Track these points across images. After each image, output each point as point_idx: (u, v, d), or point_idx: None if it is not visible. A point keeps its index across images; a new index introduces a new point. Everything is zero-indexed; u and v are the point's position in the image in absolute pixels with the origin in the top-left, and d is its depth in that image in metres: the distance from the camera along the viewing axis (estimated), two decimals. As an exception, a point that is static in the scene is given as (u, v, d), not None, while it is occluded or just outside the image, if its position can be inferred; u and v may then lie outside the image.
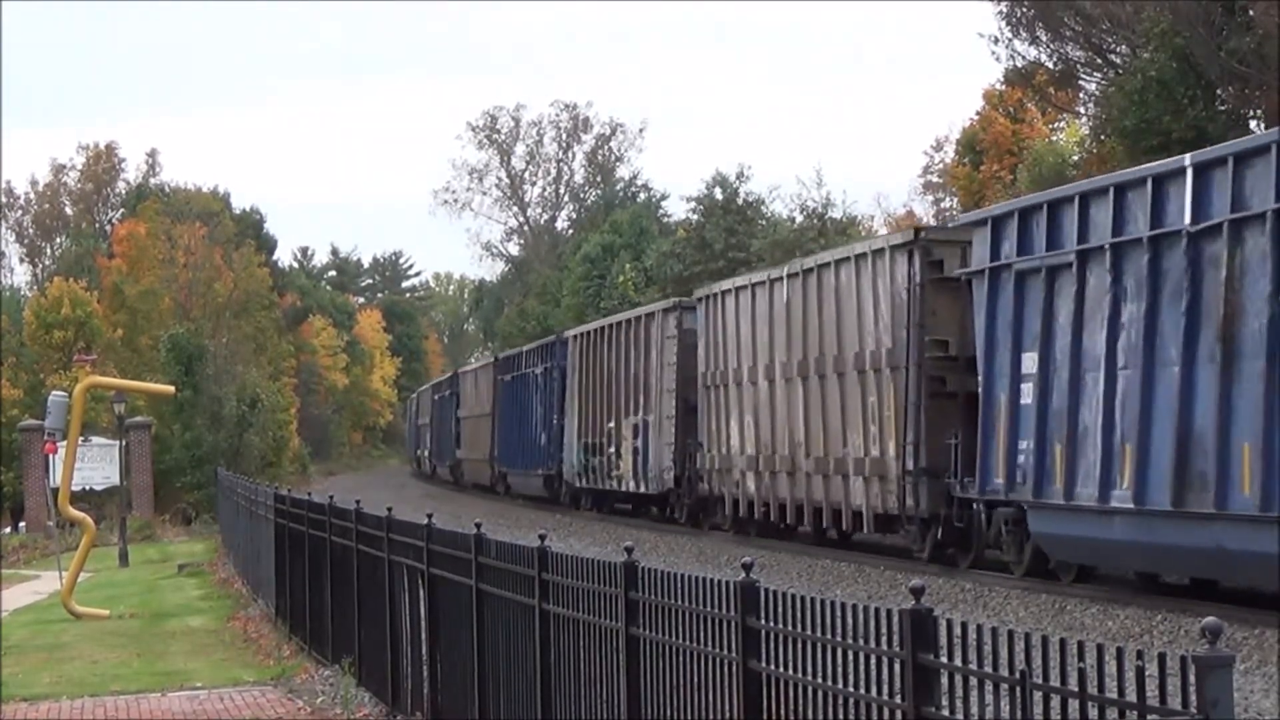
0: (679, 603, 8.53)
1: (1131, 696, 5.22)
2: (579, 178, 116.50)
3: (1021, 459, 22.77)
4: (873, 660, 6.64)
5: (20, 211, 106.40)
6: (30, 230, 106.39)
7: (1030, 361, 22.63)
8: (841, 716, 6.92)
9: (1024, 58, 48.01)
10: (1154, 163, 22.29)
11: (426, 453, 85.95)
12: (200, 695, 17.94)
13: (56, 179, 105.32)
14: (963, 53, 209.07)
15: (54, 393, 32.76)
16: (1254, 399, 18.29)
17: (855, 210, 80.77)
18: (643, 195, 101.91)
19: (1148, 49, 39.88)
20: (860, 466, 28.35)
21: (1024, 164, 50.67)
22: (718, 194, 73.12)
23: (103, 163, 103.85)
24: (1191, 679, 4.97)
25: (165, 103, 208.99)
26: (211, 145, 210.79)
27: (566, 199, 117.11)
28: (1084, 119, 51.10)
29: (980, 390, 23.92)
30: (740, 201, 72.59)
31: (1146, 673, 5.21)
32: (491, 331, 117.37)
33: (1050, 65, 47.66)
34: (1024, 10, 46.86)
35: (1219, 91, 39.60)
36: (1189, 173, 19.48)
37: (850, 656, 6.82)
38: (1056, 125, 56.48)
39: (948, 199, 70.49)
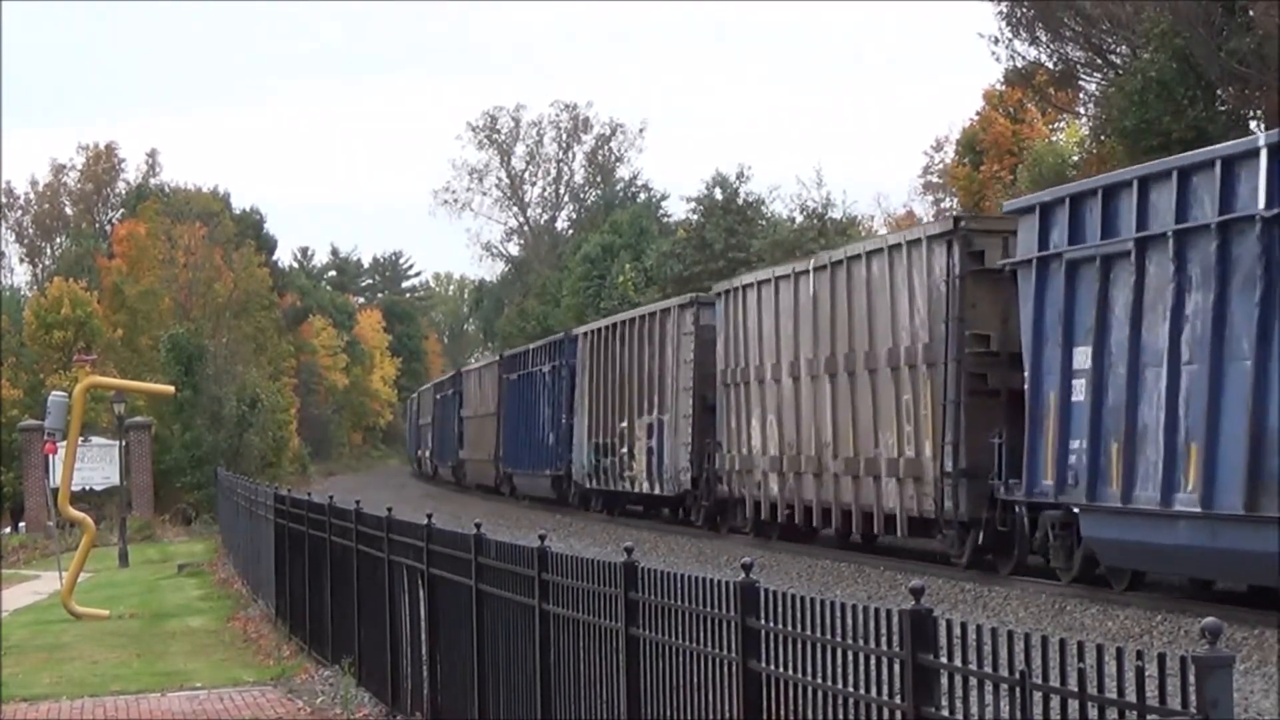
0: (679, 603, 8.53)
1: (1131, 697, 5.22)
2: (579, 178, 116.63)
3: (1073, 459, 21.58)
4: (873, 660, 6.64)
5: (20, 211, 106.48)
6: (30, 230, 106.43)
7: (1083, 356, 21.46)
8: (841, 717, 6.92)
9: (1024, 58, 48.01)
10: (1222, 144, 20.86)
11: (428, 453, 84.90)
12: (200, 695, 17.94)
13: (56, 179, 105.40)
14: (963, 53, 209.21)
15: (54, 393, 32.76)
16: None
17: (855, 210, 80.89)
18: (643, 195, 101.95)
19: (1148, 49, 39.88)
20: (894, 467, 27.16)
21: (1024, 164, 50.67)
22: (718, 194, 73.13)
23: (103, 163, 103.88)
24: (1191, 679, 4.97)
25: (165, 103, 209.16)
26: (211, 145, 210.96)
27: (566, 199, 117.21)
28: (1084, 119, 51.10)
29: (1027, 387, 22.80)
30: (740, 201, 72.61)
31: (1146, 673, 5.21)
32: (491, 332, 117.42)
33: (1050, 65, 47.65)
34: (1024, 10, 46.85)
35: (1219, 92, 39.59)
36: (1263, 154, 18.26)
37: (850, 657, 6.82)
38: (1056, 125, 56.48)
39: (948, 199, 70.51)
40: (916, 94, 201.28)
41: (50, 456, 36.28)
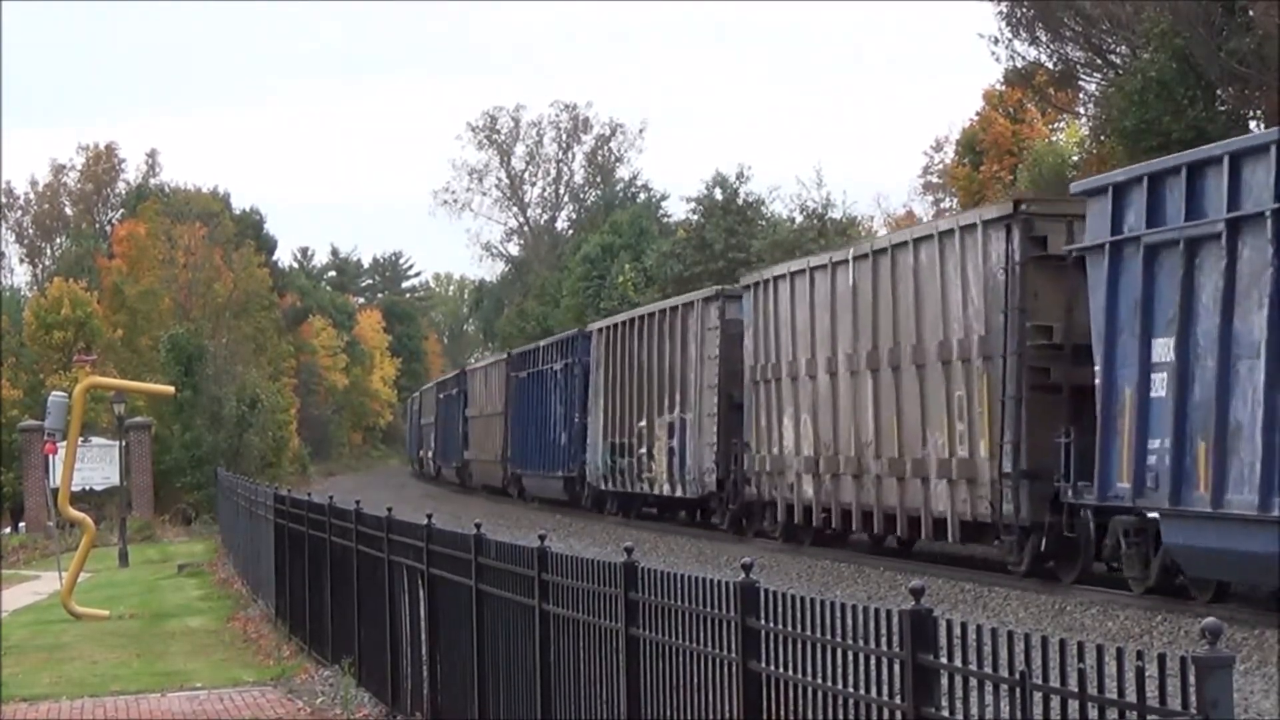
0: (679, 603, 8.53)
1: (1131, 697, 5.22)
2: (579, 178, 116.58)
3: (1153, 460, 19.92)
4: (872, 661, 6.64)
5: (20, 212, 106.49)
6: (30, 230, 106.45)
7: (1164, 348, 19.85)
8: (841, 717, 6.92)
9: (1024, 58, 48.01)
10: None
11: (431, 453, 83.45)
12: (200, 695, 17.94)
13: (56, 179, 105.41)
14: (963, 53, 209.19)
15: (54, 393, 32.76)
16: None
17: (855, 210, 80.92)
18: (642, 196, 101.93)
19: (1148, 49, 39.88)
20: (944, 468, 25.45)
21: (1024, 164, 50.71)
22: (718, 194, 73.14)
23: (102, 163, 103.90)
24: (1191, 679, 4.97)
25: (165, 103, 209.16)
26: (211, 145, 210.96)
27: (566, 199, 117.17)
28: (1084, 119, 51.11)
29: (1098, 382, 21.17)
30: (740, 202, 72.61)
31: (1146, 673, 5.21)
32: (491, 332, 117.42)
33: (1050, 66, 47.66)
34: (1024, 11, 46.85)
35: (1219, 92, 39.59)
36: None
37: (850, 657, 6.82)
38: (1056, 126, 56.51)
39: (948, 199, 70.53)
40: (916, 94, 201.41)
41: (50, 457, 36.27)
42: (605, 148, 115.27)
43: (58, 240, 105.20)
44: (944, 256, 25.64)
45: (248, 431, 62.98)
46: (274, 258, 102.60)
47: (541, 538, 10.77)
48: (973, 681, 6.05)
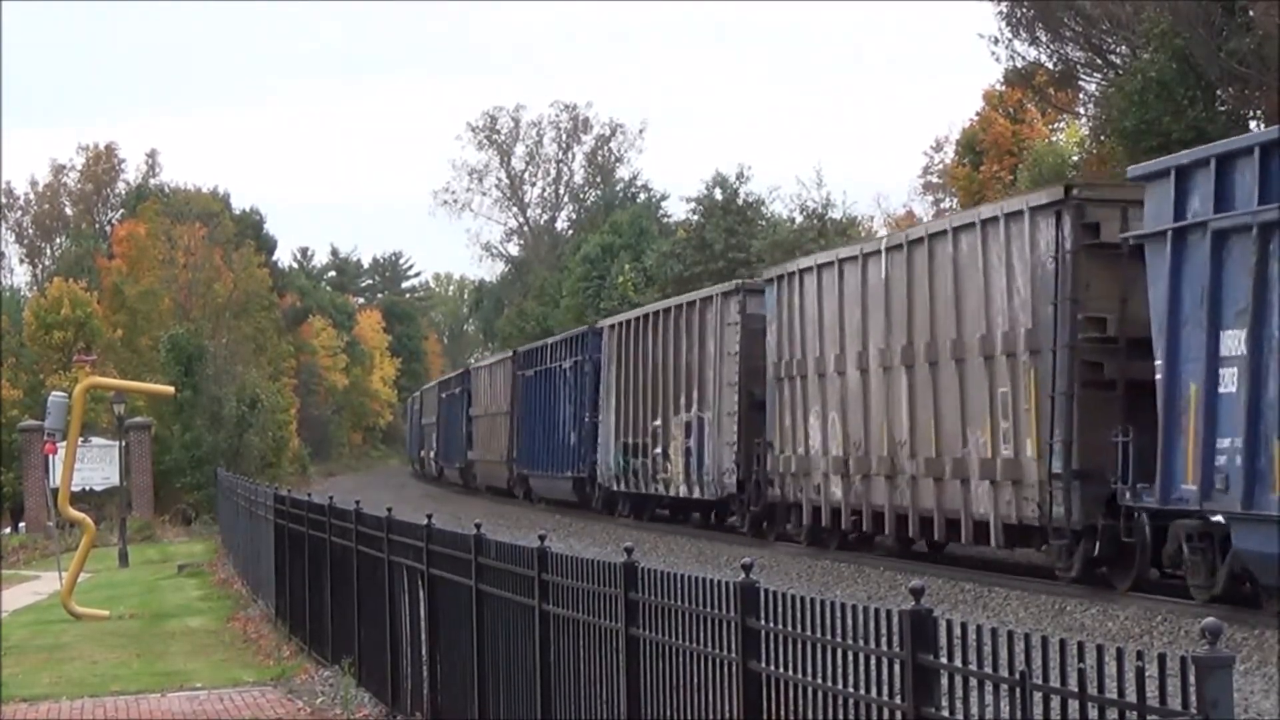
0: (679, 603, 8.53)
1: (1131, 697, 5.23)
2: (579, 178, 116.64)
3: (1222, 461, 18.74)
4: (872, 661, 6.64)
5: (20, 212, 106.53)
6: (30, 231, 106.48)
7: (1234, 341, 18.67)
8: (841, 717, 6.92)
9: (1024, 58, 48.02)
10: None
11: (433, 454, 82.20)
12: (200, 696, 17.94)
13: (56, 179, 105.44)
14: (963, 53, 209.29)
15: (54, 393, 32.75)
16: None
17: (855, 210, 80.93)
18: (642, 196, 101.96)
19: (1148, 49, 39.89)
20: (987, 469, 24.13)
21: (1024, 164, 50.71)
22: (718, 194, 73.17)
23: (102, 163, 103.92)
24: (1191, 680, 4.98)
25: (165, 103, 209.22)
26: (211, 145, 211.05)
27: (566, 199, 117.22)
28: (1084, 119, 51.14)
29: (1160, 377, 19.93)
30: (740, 202, 72.63)
31: (1146, 673, 5.21)
32: (491, 332, 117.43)
33: (1050, 66, 47.68)
34: (1024, 11, 46.86)
35: (1219, 92, 39.60)
36: None
37: (850, 657, 6.82)
38: (1056, 126, 56.53)
39: (947, 199, 70.54)
40: (916, 94, 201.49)
41: (50, 457, 36.27)
42: (605, 148, 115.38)
43: (58, 240, 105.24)
44: (987, 245, 24.32)
45: (248, 432, 62.99)
46: (274, 258, 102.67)
47: (541, 538, 10.77)
48: (973, 681, 6.05)
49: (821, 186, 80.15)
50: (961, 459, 24.94)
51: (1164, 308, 19.98)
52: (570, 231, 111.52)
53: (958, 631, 6.21)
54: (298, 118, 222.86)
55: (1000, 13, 47.10)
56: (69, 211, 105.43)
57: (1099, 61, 46.21)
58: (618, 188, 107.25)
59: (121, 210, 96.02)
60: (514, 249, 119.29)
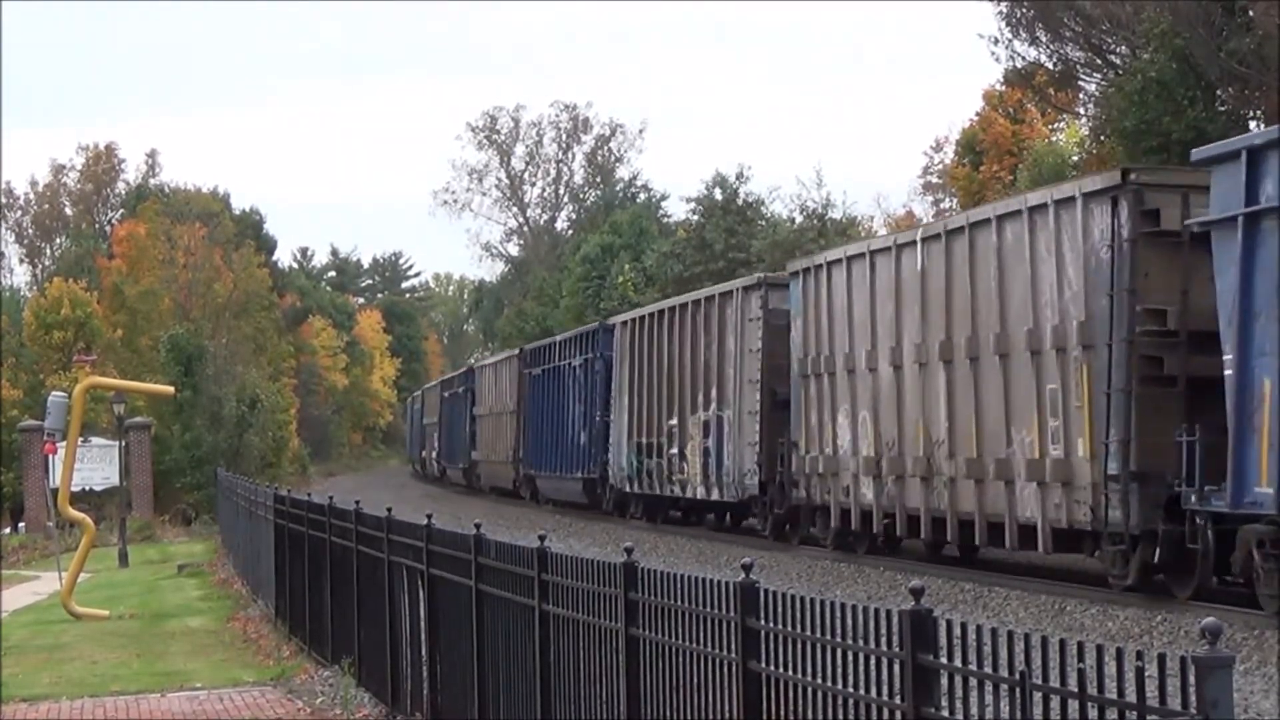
0: (679, 603, 8.53)
1: (1131, 697, 5.23)
2: (579, 178, 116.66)
3: None
4: (872, 661, 6.65)
5: (20, 212, 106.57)
6: (30, 231, 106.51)
7: None
8: (841, 717, 6.92)
9: (1024, 58, 48.04)
10: None
11: (434, 454, 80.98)
12: (200, 696, 17.94)
13: (56, 179, 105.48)
14: (963, 53, 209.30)
15: (54, 393, 32.75)
16: None
17: (855, 211, 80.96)
18: (642, 196, 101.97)
19: (1148, 50, 39.90)
20: (1034, 470, 22.88)
21: (1024, 164, 50.72)
22: (717, 194, 73.17)
23: (102, 163, 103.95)
24: (1191, 680, 4.97)
25: (165, 103, 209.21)
26: (211, 145, 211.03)
27: (566, 199, 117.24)
28: (1084, 120, 51.14)
29: (1229, 373, 18.86)
30: (740, 202, 72.64)
31: (1146, 673, 5.21)
32: (491, 332, 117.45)
33: (1050, 66, 47.69)
34: (1024, 11, 46.87)
35: (1219, 92, 39.61)
36: None
37: (850, 657, 6.82)
38: (1056, 126, 56.55)
39: (947, 199, 70.56)
40: (916, 94, 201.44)
41: (50, 457, 36.29)
42: (605, 148, 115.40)
43: (58, 240, 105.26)
44: (1034, 234, 23.02)
45: (248, 432, 63.00)
46: (274, 258, 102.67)
47: (541, 538, 10.77)
48: (973, 681, 6.05)
49: (821, 186, 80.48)
50: (1005, 459, 23.73)
51: (1234, 299, 18.82)
52: (570, 231, 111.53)
53: (957, 631, 6.21)
54: (298, 118, 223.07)
55: (1000, 13, 47.13)
56: (69, 211, 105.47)
57: (1099, 61, 46.22)
58: (618, 188, 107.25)
59: (121, 210, 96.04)
60: (514, 249, 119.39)
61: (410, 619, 14.58)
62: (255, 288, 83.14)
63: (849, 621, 6.82)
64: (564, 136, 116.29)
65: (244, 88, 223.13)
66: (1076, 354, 21.98)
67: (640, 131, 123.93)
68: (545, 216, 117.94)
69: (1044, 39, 46.89)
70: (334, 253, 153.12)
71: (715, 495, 35.93)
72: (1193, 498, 19.49)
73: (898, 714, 6.47)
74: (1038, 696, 5.66)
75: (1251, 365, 18.58)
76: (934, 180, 77.00)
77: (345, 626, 17.84)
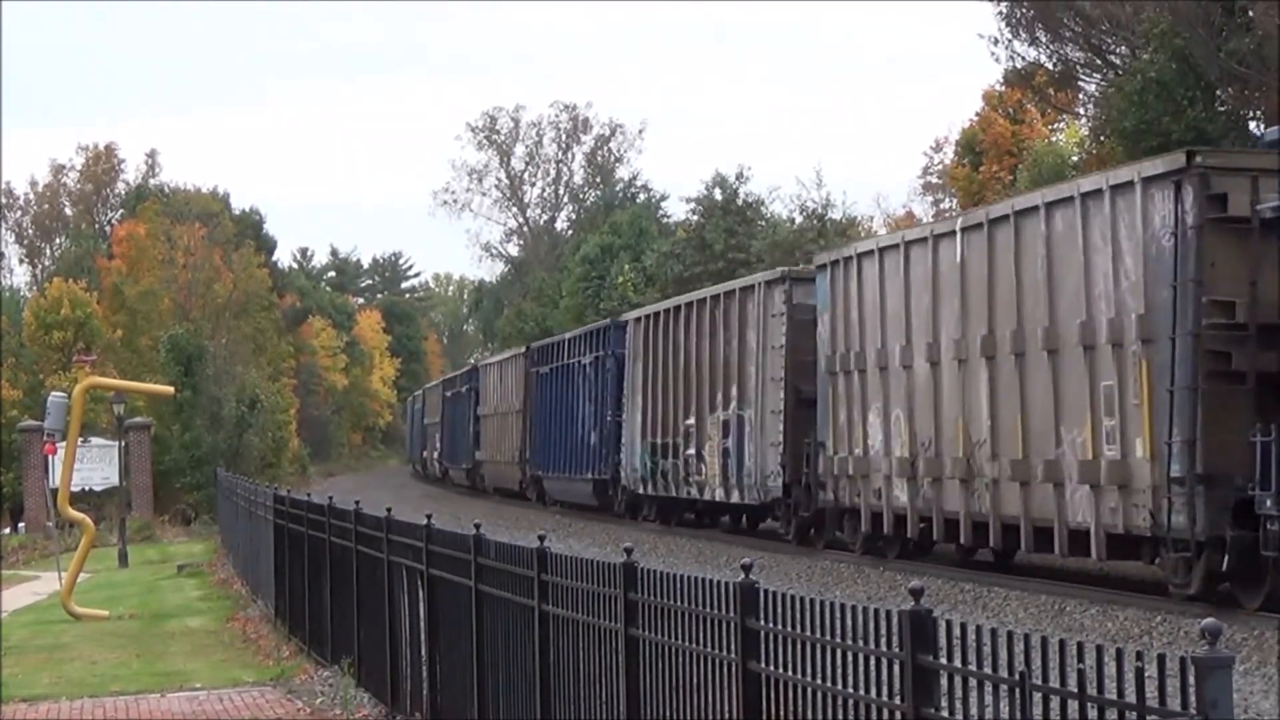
0: (678, 604, 8.53)
1: (1131, 697, 5.22)
2: (578, 178, 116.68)
3: None
4: (872, 661, 6.64)
5: (20, 212, 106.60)
6: (30, 231, 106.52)
7: None
8: (841, 717, 6.92)
9: (1024, 58, 48.07)
10: None
11: (436, 454, 79.87)
12: (200, 696, 17.93)
13: (56, 179, 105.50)
14: (963, 53, 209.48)
15: (53, 393, 32.76)
16: None
17: (855, 211, 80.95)
18: (642, 196, 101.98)
19: (1147, 50, 39.91)
20: (1087, 472, 21.57)
21: (1024, 165, 50.73)
22: (717, 194, 73.18)
23: (102, 163, 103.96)
24: (1191, 680, 4.97)
25: (165, 103, 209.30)
26: (211, 145, 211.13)
27: (566, 200, 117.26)
28: (1083, 120, 51.16)
29: None
30: (740, 202, 72.64)
31: (1146, 674, 5.21)
32: (491, 332, 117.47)
33: (1050, 66, 47.72)
34: (1024, 11, 46.89)
35: (1218, 92, 39.62)
36: None
37: (850, 657, 6.82)
38: (1056, 126, 56.56)
39: (947, 199, 70.56)
40: (916, 94, 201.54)
41: (50, 457, 36.30)
42: (605, 148, 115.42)
43: (57, 240, 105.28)
44: (1087, 222, 21.70)
45: (247, 432, 63.00)
46: (274, 258, 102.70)
47: (541, 538, 10.76)
48: (972, 682, 6.05)
49: (821, 186, 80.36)
50: (1055, 461, 22.44)
51: None
52: (570, 232, 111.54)
53: (957, 632, 6.20)
54: (298, 118, 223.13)
55: (1000, 13, 47.15)
56: (69, 212, 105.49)
57: (1099, 62, 46.23)
58: (617, 188, 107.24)
59: (121, 210, 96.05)
60: (514, 249, 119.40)
61: (410, 619, 14.57)
62: (255, 288, 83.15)
63: (849, 622, 6.81)
64: (564, 137, 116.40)
65: (244, 88, 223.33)
66: (1135, 349, 20.76)
67: (640, 131, 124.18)
68: (545, 217, 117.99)
69: (1044, 39, 46.92)
70: (334, 253, 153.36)
71: (735, 498, 34.77)
72: (1268, 501, 18.22)
73: (897, 714, 6.47)
74: (1038, 697, 5.66)
75: None
76: (934, 180, 77.06)
77: (345, 627, 17.83)
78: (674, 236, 78.97)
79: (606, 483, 44.70)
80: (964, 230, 25.26)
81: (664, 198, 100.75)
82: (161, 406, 59.45)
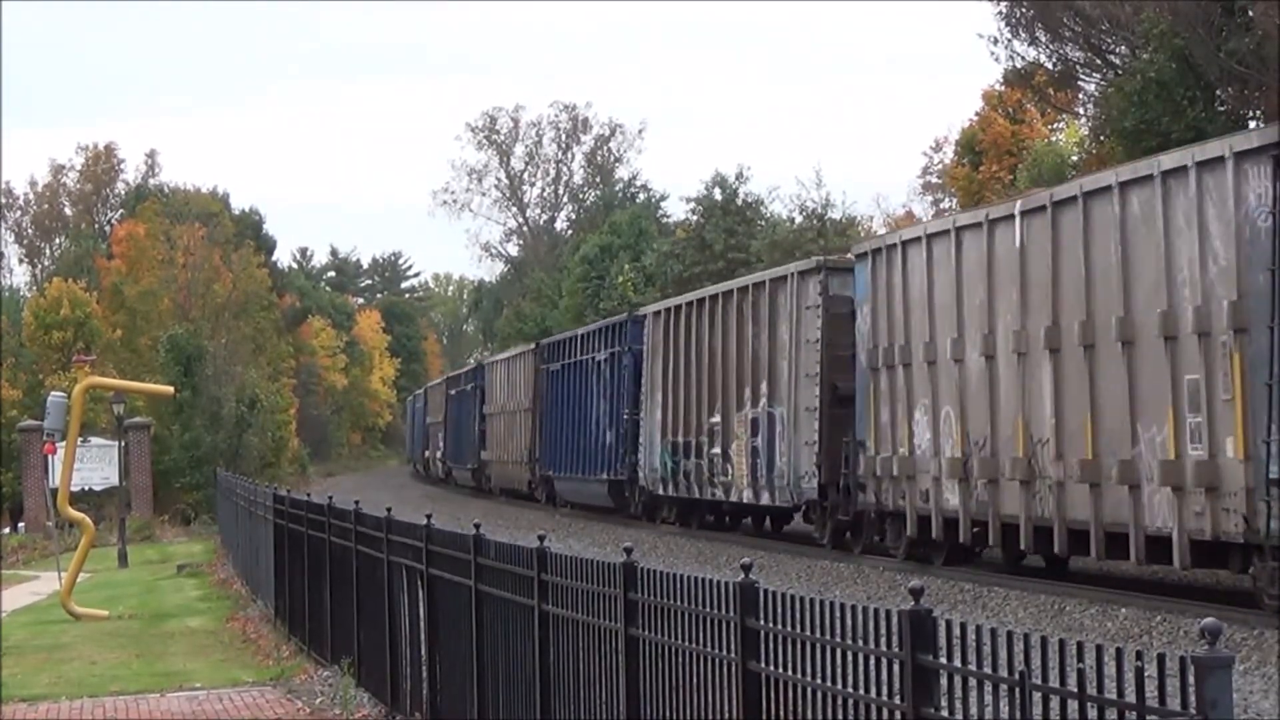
0: (678, 603, 8.53)
1: (1131, 697, 5.22)
2: (578, 178, 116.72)
3: None
4: (872, 661, 6.64)
5: (19, 212, 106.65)
6: (29, 231, 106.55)
7: None
8: (841, 717, 6.92)
9: (1023, 58, 48.01)
10: None
11: (439, 454, 77.78)
12: (199, 696, 17.93)
13: (56, 179, 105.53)
14: (963, 53, 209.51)
15: (53, 393, 32.74)
16: None
17: (855, 211, 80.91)
18: (642, 196, 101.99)
19: (1147, 50, 39.89)
20: (1169, 473, 19.89)
21: (1023, 164, 50.72)
22: (717, 194, 73.20)
23: (102, 163, 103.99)
24: (1191, 680, 4.97)
25: (165, 103, 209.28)
26: (211, 145, 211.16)
27: (565, 200, 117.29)
28: (1083, 120, 51.12)
29: None
30: (740, 202, 72.66)
31: (1146, 673, 5.21)
32: (491, 332, 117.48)
33: (1049, 66, 47.68)
34: (1023, 11, 46.86)
35: (1218, 92, 39.60)
36: None
37: (850, 657, 6.82)
38: (1056, 126, 56.55)
39: (947, 199, 70.54)
40: (916, 94, 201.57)
41: (49, 457, 36.30)
42: (604, 148, 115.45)
43: (57, 240, 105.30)
44: (1168, 202, 20.08)
45: (247, 432, 63.01)
46: (273, 258, 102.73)
47: (541, 538, 10.76)
48: (972, 681, 6.05)
49: (821, 186, 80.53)
50: (1130, 461, 20.77)
51: None
52: (570, 232, 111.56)
53: (957, 632, 6.20)
54: (298, 118, 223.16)
55: (1000, 13, 47.10)
56: (68, 211, 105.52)
57: (1098, 61, 46.21)
58: (617, 188, 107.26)
59: (121, 210, 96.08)
60: (513, 249, 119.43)
61: (410, 619, 14.57)
62: (254, 288, 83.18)
63: (849, 621, 6.81)
64: (563, 137, 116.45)
65: (244, 88, 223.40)
66: (1225, 339, 19.09)
67: (640, 131, 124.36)
68: (545, 217, 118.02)
69: (1043, 39, 46.88)
70: (333, 253, 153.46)
71: (765, 499, 33.08)
72: None
73: (897, 714, 6.47)
74: (1037, 696, 5.66)
75: None
76: (933, 180, 77.03)
77: (345, 626, 17.83)
78: (673, 236, 78.99)
79: (622, 483, 43.11)
80: (1024, 214, 23.51)
81: (664, 198, 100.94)
82: (161, 406, 59.45)
